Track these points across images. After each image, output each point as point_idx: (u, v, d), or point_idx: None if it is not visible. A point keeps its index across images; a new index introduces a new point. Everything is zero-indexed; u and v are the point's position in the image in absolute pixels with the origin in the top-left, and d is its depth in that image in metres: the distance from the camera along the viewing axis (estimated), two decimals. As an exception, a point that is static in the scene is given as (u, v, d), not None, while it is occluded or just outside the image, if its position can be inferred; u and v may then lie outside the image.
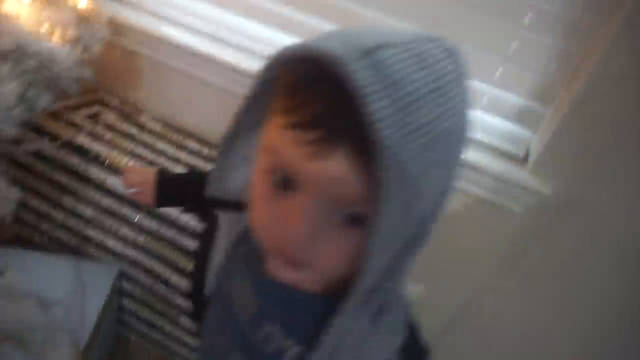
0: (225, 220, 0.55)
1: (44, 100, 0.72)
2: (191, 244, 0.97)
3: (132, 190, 0.72)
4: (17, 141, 0.82)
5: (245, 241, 0.54)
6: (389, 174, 0.32)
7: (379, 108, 0.31)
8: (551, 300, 0.99)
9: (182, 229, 0.97)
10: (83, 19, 0.78)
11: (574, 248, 0.91)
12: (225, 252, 0.56)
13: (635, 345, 0.96)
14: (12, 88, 0.61)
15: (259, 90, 0.41)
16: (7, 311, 0.78)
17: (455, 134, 0.37)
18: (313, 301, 0.44)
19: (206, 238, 0.60)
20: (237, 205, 0.51)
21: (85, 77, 0.80)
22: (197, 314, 0.64)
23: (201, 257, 0.61)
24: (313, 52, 0.34)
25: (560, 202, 0.86)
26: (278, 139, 0.37)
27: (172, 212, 0.96)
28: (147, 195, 0.70)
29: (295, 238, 0.37)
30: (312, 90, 0.35)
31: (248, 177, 0.45)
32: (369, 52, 0.33)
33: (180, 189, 0.69)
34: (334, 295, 0.42)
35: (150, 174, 0.71)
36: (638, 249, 0.86)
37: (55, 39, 0.72)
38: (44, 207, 1.06)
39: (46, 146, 0.91)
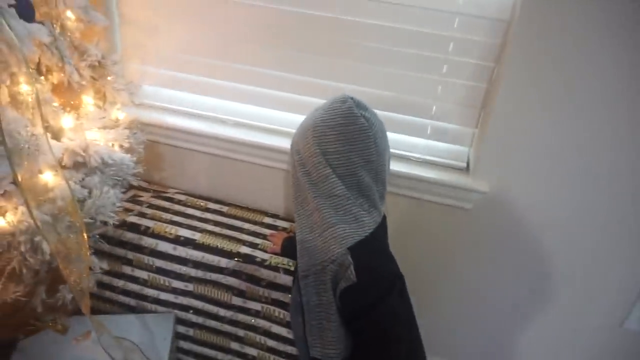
0: None
1: (117, 197, 1.01)
2: (231, 280, 1.23)
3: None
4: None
5: None
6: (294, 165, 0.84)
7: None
8: (497, 261, 1.31)
9: (221, 270, 1.23)
10: (131, 131, 1.08)
11: (509, 224, 1.23)
12: None
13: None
14: (112, 190, 0.90)
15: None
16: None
17: (358, 144, 0.81)
18: None
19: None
20: None
21: (139, 172, 1.08)
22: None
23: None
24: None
25: (496, 195, 1.19)
26: None
27: (213, 259, 1.23)
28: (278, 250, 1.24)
29: None
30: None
31: None
32: (308, 129, 0.84)
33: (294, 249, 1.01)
34: None
35: (281, 239, 1.25)
36: (541, 225, 1.21)
37: (118, 150, 1.02)
38: (106, 279, 1.32)
39: (109, 229, 1.18)
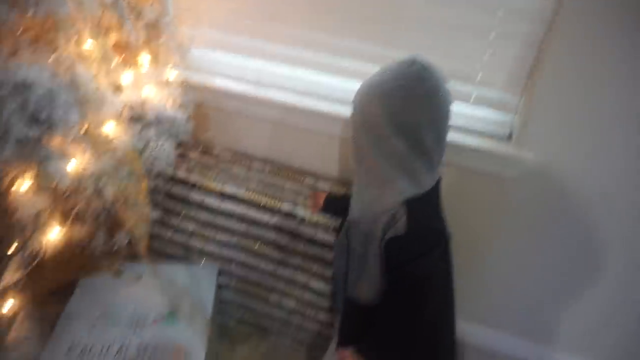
0: None
1: (171, 150, 1.07)
2: (273, 235, 1.30)
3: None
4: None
5: None
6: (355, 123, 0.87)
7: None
8: (541, 230, 1.30)
9: (265, 225, 1.30)
10: (181, 90, 1.14)
11: (554, 194, 1.23)
12: None
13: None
14: (166, 143, 0.96)
15: None
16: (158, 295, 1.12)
17: (418, 102, 0.83)
18: None
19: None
20: None
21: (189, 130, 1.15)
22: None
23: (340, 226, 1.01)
24: None
25: (541, 164, 1.18)
26: None
27: (256, 214, 1.29)
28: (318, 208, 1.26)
29: None
30: None
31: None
32: (373, 88, 0.84)
33: (335, 208, 1.12)
34: None
35: (322, 198, 1.25)
36: (588, 195, 1.19)
37: (171, 107, 1.08)
38: (155, 229, 1.41)
39: (159, 182, 1.26)
